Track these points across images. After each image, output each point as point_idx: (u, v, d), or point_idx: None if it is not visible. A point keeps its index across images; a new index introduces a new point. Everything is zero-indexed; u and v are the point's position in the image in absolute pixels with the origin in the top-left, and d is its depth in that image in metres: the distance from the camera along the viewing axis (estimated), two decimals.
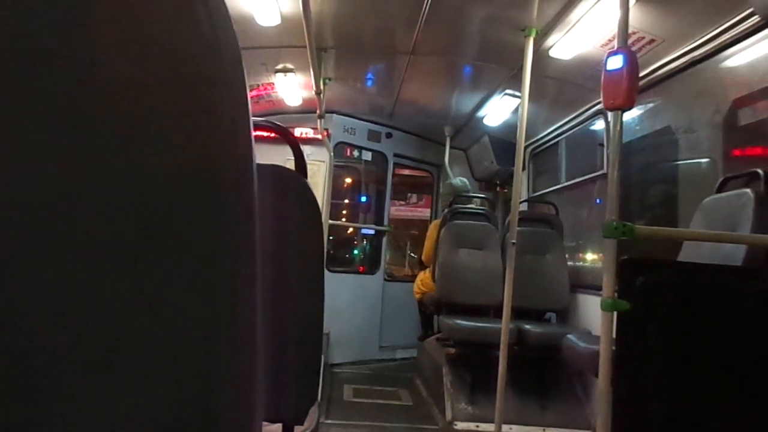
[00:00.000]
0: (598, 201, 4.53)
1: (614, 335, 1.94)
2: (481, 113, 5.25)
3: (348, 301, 5.77)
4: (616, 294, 1.92)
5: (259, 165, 1.25)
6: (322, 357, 4.33)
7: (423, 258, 5.39)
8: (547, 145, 5.14)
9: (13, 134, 0.27)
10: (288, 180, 1.20)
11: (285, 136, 1.28)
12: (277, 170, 1.17)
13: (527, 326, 3.99)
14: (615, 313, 1.91)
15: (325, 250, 5.18)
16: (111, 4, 0.29)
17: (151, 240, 0.31)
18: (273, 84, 4.76)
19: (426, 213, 7.05)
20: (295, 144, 1.29)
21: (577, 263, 4.86)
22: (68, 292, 0.29)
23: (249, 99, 0.37)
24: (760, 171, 2.44)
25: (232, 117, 0.34)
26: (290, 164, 1.31)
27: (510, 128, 4.55)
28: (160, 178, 0.31)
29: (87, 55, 0.29)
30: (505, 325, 3.11)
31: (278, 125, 1.30)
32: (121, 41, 0.29)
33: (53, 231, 0.29)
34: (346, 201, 6.98)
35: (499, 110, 4.93)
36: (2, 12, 0.27)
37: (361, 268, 6.66)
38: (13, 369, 0.27)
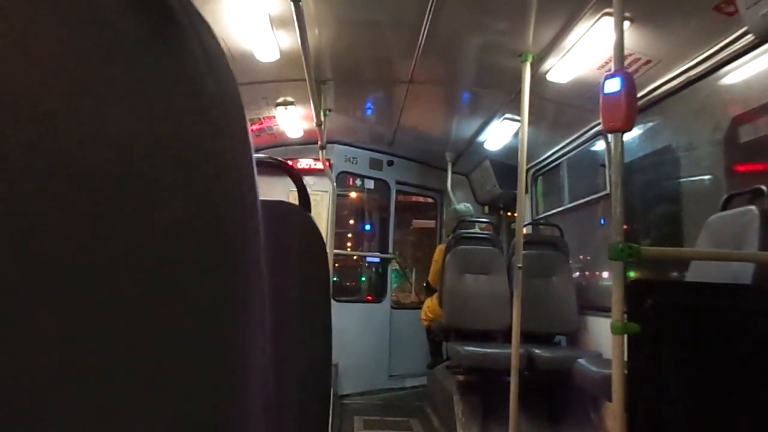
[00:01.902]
0: (602, 221, 4.52)
1: (626, 358, 1.91)
2: (481, 138, 5.28)
3: (355, 331, 5.74)
4: (625, 316, 1.90)
5: (262, 201, 1.25)
6: (331, 389, 4.28)
7: (429, 279, 5.37)
8: (549, 167, 5.16)
9: (16, 194, 0.27)
10: (291, 215, 1.21)
11: (287, 172, 1.28)
12: (280, 206, 1.17)
13: (537, 350, 3.95)
14: (626, 335, 1.89)
15: (331, 281, 5.19)
16: (115, 63, 0.30)
17: (156, 295, 0.31)
18: (274, 117, 4.81)
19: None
20: (298, 178, 1.30)
21: (584, 284, 4.82)
22: (69, 348, 0.29)
23: (252, 147, 0.37)
24: (763, 188, 2.44)
25: (236, 167, 0.34)
26: (294, 195, 1.32)
27: (511, 152, 4.57)
28: (166, 232, 0.31)
29: (92, 115, 0.29)
30: (514, 350, 3.08)
31: (280, 161, 1.31)
32: (126, 99, 0.30)
33: (54, 290, 0.29)
34: (350, 230, 6.99)
35: (499, 134, 4.95)
36: (7, 74, 0.27)
37: (369, 297, 6.63)
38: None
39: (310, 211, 1.29)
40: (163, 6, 0.32)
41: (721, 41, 2.68)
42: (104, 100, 0.29)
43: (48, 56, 0.28)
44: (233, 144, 0.33)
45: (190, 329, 0.31)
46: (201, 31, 0.33)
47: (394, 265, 6.46)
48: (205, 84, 0.32)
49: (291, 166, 1.42)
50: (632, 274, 3.26)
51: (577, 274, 4.91)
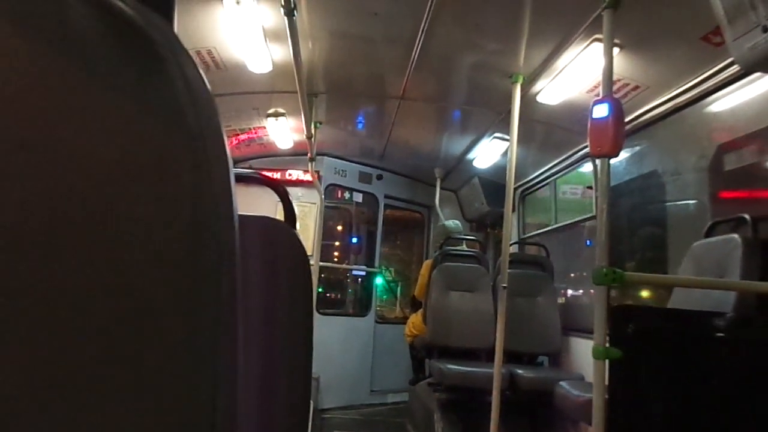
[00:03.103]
0: (588, 243, 4.55)
1: (607, 382, 1.91)
2: (470, 156, 5.31)
3: (338, 345, 5.70)
4: (607, 340, 1.91)
5: (247, 216, 1.24)
6: (311, 403, 4.25)
7: (415, 293, 5.37)
8: (537, 187, 5.19)
9: None
10: (276, 231, 1.20)
11: (272, 187, 1.28)
12: (264, 222, 1.17)
13: (519, 371, 3.95)
14: (607, 360, 1.89)
15: (315, 293, 5.17)
16: (94, 93, 0.29)
17: (130, 327, 0.30)
18: (264, 128, 4.81)
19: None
20: (284, 193, 1.29)
21: (568, 305, 4.84)
22: (39, 374, 0.28)
23: (233, 181, 0.37)
24: (746, 216, 2.47)
25: (216, 202, 0.33)
26: (281, 207, 1.31)
27: (500, 170, 4.60)
28: (142, 265, 0.30)
29: (69, 144, 0.29)
30: (497, 370, 3.08)
31: (266, 177, 1.30)
32: (104, 129, 0.29)
33: (26, 322, 0.28)
34: (337, 242, 6.97)
35: (488, 153, 4.98)
36: None
37: (353, 310, 6.61)
38: None
39: (295, 225, 1.28)
40: (145, 39, 0.31)
41: (708, 70, 2.72)
42: (81, 130, 0.29)
43: (24, 85, 0.27)
44: (213, 178, 0.33)
45: (162, 362, 0.31)
46: (184, 64, 0.32)
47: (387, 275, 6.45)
48: (186, 116, 0.32)
49: (277, 180, 1.42)
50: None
51: (562, 294, 4.92)
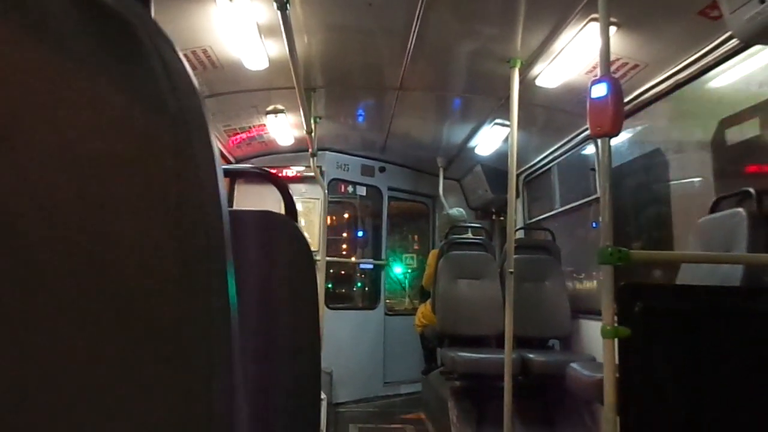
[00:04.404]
0: (594, 225, 4.53)
1: (617, 361, 1.91)
2: (472, 143, 5.29)
3: (349, 338, 5.72)
4: (616, 320, 1.91)
5: (247, 212, 1.24)
6: (326, 397, 4.26)
7: (423, 283, 5.37)
8: (540, 171, 5.17)
9: None
10: (278, 225, 1.20)
11: (272, 181, 1.28)
12: (265, 216, 1.17)
13: (531, 355, 3.95)
14: (617, 339, 1.89)
15: (323, 289, 5.18)
16: (72, 82, 0.29)
17: (115, 314, 0.30)
18: (264, 125, 4.81)
19: None
20: (284, 188, 1.29)
21: (576, 288, 4.83)
22: (29, 367, 0.29)
23: (219, 164, 0.37)
24: (751, 190, 2.45)
25: (200, 186, 0.33)
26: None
27: (502, 156, 4.58)
28: (127, 252, 0.30)
29: (49, 135, 0.29)
30: (507, 356, 3.08)
31: (265, 171, 1.30)
32: (84, 118, 0.29)
33: (14, 306, 0.28)
34: (344, 236, 6.98)
35: (489, 140, 4.97)
36: None
37: (362, 304, 6.63)
38: None
39: (296, 219, 1.28)
40: (122, 23, 0.31)
41: (707, 45, 2.70)
42: (62, 120, 0.29)
43: (2, 77, 0.27)
44: (196, 163, 0.33)
45: (152, 349, 0.31)
46: (162, 48, 0.32)
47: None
48: (166, 101, 0.32)
49: (278, 175, 1.42)
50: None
51: (570, 277, 4.91)
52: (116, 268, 0.31)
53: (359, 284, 6.86)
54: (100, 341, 0.30)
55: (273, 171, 5.28)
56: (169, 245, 0.31)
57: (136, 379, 0.31)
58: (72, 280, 0.30)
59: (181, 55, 0.33)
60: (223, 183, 0.36)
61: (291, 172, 5.67)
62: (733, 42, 2.49)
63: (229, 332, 0.35)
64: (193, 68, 3.56)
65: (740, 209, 2.41)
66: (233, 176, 4.25)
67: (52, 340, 0.29)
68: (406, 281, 7.00)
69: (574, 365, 3.19)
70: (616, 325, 1.90)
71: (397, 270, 6.81)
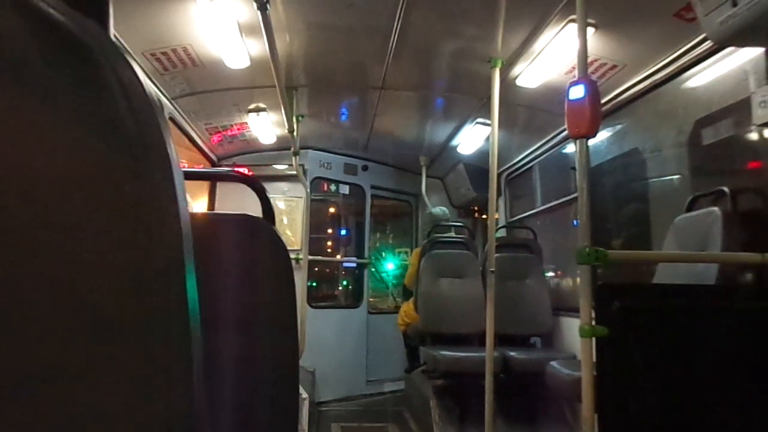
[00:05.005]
0: (574, 223, 4.57)
1: (595, 360, 1.94)
2: (454, 142, 5.31)
3: (332, 337, 5.72)
4: (593, 319, 1.93)
5: (224, 215, 1.24)
6: (308, 396, 4.26)
7: (405, 281, 5.39)
8: (522, 170, 5.21)
9: None
10: (255, 228, 1.20)
11: (247, 183, 1.28)
12: (243, 219, 1.17)
13: (512, 353, 3.98)
14: (595, 338, 1.91)
15: (306, 288, 5.16)
16: (26, 103, 0.29)
17: (81, 334, 0.31)
18: (246, 123, 4.78)
19: None
20: (261, 191, 1.29)
21: (557, 286, 4.88)
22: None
23: (181, 182, 0.37)
24: (726, 189, 2.49)
25: (159, 209, 0.33)
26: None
27: (484, 155, 4.60)
28: (85, 275, 0.30)
29: (6, 161, 0.29)
30: (489, 354, 3.10)
31: (244, 176, 1.30)
32: (39, 140, 0.29)
33: None
34: (327, 235, 6.97)
35: (472, 138, 4.99)
36: None
37: (345, 302, 6.63)
38: None
39: (273, 221, 1.28)
40: (78, 46, 0.31)
41: (683, 47, 2.74)
42: (16, 143, 0.29)
43: None
44: (155, 184, 0.33)
45: (117, 369, 0.31)
46: (121, 70, 0.32)
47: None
48: (124, 123, 0.32)
49: (254, 176, 1.41)
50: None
51: (551, 275, 4.96)
52: (75, 290, 0.31)
53: (343, 283, 6.86)
54: (60, 361, 0.30)
55: (255, 170, 5.27)
56: (127, 267, 0.31)
57: (97, 373, 0.31)
58: (32, 301, 0.30)
59: (140, 76, 0.33)
60: (184, 199, 0.36)
61: (273, 170, 5.65)
62: (708, 44, 2.53)
63: (189, 347, 0.35)
64: (174, 66, 3.53)
65: (715, 208, 2.45)
66: (214, 181, 4.22)
67: (17, 341, 0.29)
68: (391, 278, 7.01)
69: (553, 364, 3.23)
70: (594, 324, 1.92)
71: (390, 266, 6.79)
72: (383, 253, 6.99)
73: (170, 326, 0.33)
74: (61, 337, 0.31)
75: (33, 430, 0.30)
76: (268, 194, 1.33)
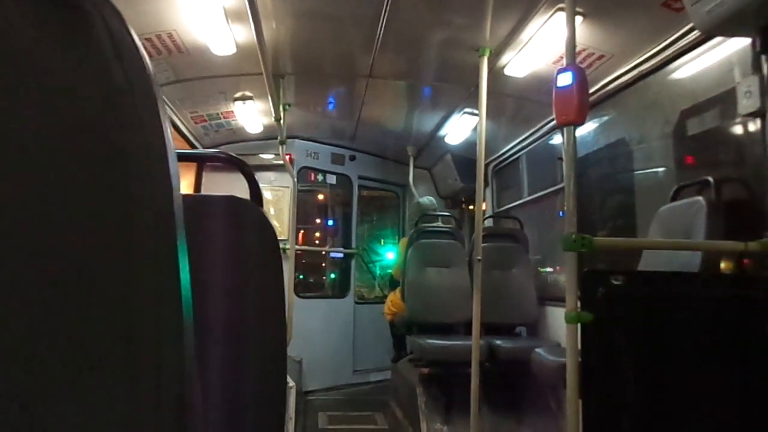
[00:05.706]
0: (561, 214, 4.60)
1: (580, 346, 1.95)
2: (442, 132, 5.31)
3: (319, 327, 5.72)
4: (579, 305, 1.94)
5: (211, 196, 1.23)
6: (295, 385, 4.26)
7: (393, 273, 5.40)
8: (509, 160, 5.22)
9: None
10: (243, 210, 1.19)
11: (236, 165, 1.27)
12: (230, 201, 1.16)
13: (498, 342, 4.01)
14: (580, 324, 1.93)
15: (293, 278, 5.15)
16: (11, 54, 0.29)
17: (61, 294, 0.30)
18: (233, 112, 4.74)
19: None
20: (249, 173, 1.28)
21: (543, 275, 4.91)
22: None
23: (170, 137, 0.36)
24: (710, 179, 2.52)
25: (148, 161, 0.33)
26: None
27: (471, 146, 4.61)
28: (73, 232, 0.30)
29: None
30: (475, 342, 3.11)
31: (231, 156, 1.29)
32: (26, 92, 0.29)
33: None
34: (314, 225, 6.95)
35: (459, 129, 4.99)
36: None
37: (332, 292, 6.62)
38: None
39: (261, 204, 1.27)
40: None
41: (670, 37, 2.75)
42: (2, 94, 0.28)
43: None
44: (144, 136, 0.32)
45: (98, 327, 0.31)
46: (108, 18, 0.31)
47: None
48: (112, 72, 0.31)
49: (243, 162, 1.40)
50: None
51: (537, 265, 4.99)
52: (61, 245, 0.30)
53: (330, 273, 6.85)
54: (47, 323, 0.30)
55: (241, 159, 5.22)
56: (113, 223, 0.31)
57: (86, 355, 0.31)
58: (16, 257, 0.29)
59: (129, 26, 0.33)
60: (174, 157, 0.35)
61: (260, 159, 5.61)
62: (695, 33, 2.55)
63: (179, 314, 0.34)
64: (158, 53, 3.48)
65: (699, 198, 2.48)
66: (200, 162, 4.18)
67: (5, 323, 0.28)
68: (378, 269, 6.98)
69: (538, 351, 3.25)
70: (579, 310, 1.94)
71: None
72: (370, 245, 6.96)
73: (160, 289, 0.33)
74: (43, 296, 0.30)
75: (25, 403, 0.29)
76: None
